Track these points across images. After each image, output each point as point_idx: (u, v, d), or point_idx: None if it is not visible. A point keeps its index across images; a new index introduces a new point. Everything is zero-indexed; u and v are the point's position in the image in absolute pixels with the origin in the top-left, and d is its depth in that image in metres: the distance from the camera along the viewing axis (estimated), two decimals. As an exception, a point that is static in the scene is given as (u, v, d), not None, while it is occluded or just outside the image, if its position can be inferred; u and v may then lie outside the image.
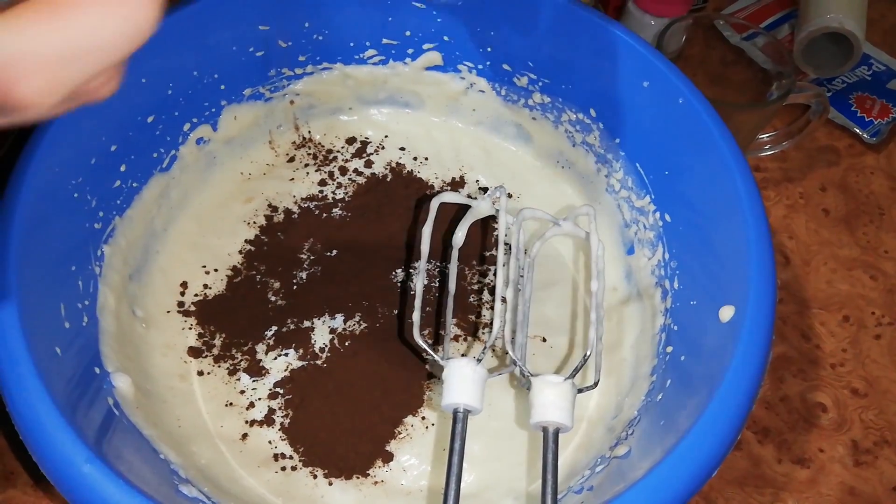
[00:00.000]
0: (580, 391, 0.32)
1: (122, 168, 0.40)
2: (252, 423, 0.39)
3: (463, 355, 0.40)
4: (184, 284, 0.43)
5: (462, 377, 0.31)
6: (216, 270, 0.44)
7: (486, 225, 0.45)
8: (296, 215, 0.46)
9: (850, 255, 0.48)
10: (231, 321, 0.42)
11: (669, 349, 0.38)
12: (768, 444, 0.41)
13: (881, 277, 0.47)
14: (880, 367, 0.44)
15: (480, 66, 0.47)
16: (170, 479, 0.33)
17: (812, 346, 0.44)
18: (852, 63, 0.52)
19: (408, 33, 0.46)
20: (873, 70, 0.55)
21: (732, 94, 0.51)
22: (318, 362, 0.40)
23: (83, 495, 0.27)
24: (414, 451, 0.38)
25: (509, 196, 0.47)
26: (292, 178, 0.48)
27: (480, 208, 0.37)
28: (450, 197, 0.37)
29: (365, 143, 0.50)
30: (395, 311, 0.42)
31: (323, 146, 0.49)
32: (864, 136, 0.52)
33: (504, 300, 0.35)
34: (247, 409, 0.39)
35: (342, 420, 0.39)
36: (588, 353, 0.32)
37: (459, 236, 0.37)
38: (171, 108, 0.42)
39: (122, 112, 0.39)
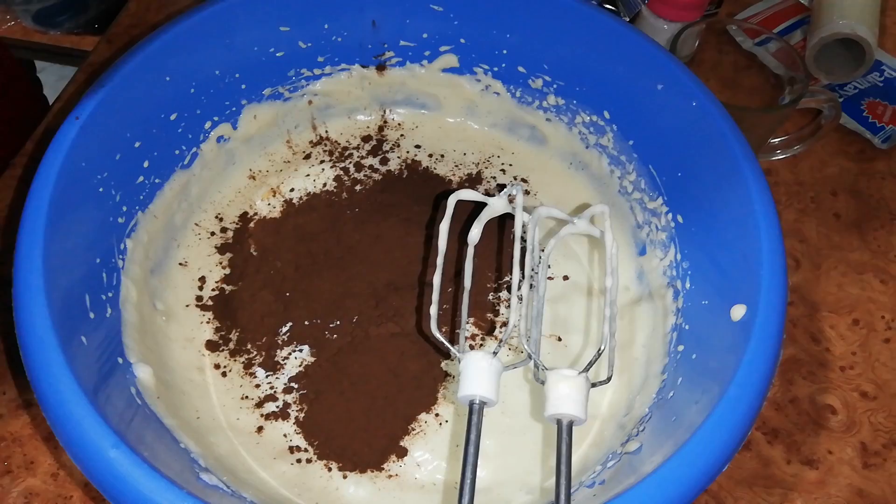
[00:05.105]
0: (594, 385, 0.33)
1: (146, 164, 0.41)
2: (267, 416, 0.40)
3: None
4: (202, 279, 0.44)
5: (478, 369, 0.32)
6: (233, 266, 0.45)
7: (503, 222, 0.46)
8: (312, 211, 0.47)
9: (861, 260, 0.48)
10: (247, 316, 0.42)
11: (681, 348, 0.38)
12: (778, 444, 0.41)
13: (891, 282, 0.47)
14: (889, 370, 0.44)
15: (496, 69, 0.48)
16: (191, 467, 0.33)
17: (822, 349, 0.45)
18: (864, 69, 0.52)
19: (425, 35, 0.47)
20: (885, 76, 0.56)
21: (745, 99, 0.51)
22: (333, 358, 0.41)
23: (109, 480, 0.28)
24: (428, 447, 0.39)
25: (526, 193, 0.48)
26: (308, 174, 0.49)
27: (496, 206, 0.38)
28: (467, 194, 0.37)
29: (381, 141, 0.50)
30: (412, 308, 0.43)
31: (339, 143, 0.50)
32: (876, 141, 0.53)
33: (520, 297, 0.36)
34: (262, 402, 0.40)
35: (356, 415, 0.39)
36: (602, 348, 0.32)
37: (475, 233, 0.37)
38: (193, 106, 0.43)
39: (146, 109, 0.40)
